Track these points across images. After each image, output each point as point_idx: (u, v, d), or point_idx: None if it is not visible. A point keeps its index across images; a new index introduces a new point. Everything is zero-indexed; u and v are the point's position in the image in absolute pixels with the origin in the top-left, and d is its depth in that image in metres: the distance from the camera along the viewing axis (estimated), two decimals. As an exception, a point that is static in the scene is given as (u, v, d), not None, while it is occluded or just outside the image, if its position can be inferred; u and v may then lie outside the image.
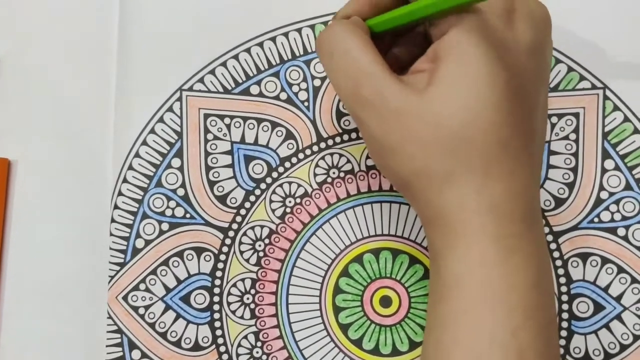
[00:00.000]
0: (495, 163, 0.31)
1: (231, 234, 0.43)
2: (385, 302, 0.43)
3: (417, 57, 0.35)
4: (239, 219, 0.43)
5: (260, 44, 0.44)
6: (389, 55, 0.37)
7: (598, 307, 0.42)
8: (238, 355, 0.43)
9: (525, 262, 0.32)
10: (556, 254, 0.42)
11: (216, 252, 0.43)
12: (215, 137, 0.44)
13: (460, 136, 0.31)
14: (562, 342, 0.42)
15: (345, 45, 0.33)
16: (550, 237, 0.42)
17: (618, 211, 0.42)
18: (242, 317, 0.43)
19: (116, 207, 0.43)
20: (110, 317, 0.43)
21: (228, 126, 0.44)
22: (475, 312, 0.31)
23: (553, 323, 0.33)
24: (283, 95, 0.44)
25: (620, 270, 0.42)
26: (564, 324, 0.42)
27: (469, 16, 0.32)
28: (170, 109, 0.44)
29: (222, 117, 0.44)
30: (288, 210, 0.43)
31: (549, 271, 0.34)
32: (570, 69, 0.43)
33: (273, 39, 0.44)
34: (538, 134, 0.34)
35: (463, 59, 0.31)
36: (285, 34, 0.44)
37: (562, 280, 0.42)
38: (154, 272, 0.43)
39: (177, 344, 0.43)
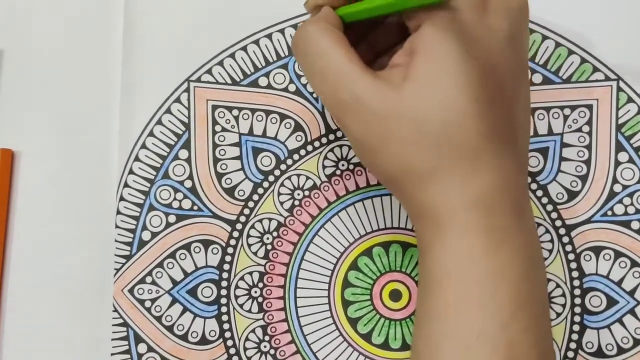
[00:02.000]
0: (477, 156, 0.32)
1: (239, 226, 0.43)
2: (395, 295, 0.43)
3: (392, 43, 0.35)
4: (247, 211, 0.43)
5: (269, 36, 0.45)
6: (363, 42, 0.38)
7: (611, 302, 0.42)
8: (245, 349, 0.43)
9: (514, 255, 0.32)
10: (569, 248, 0.42)
11: (224, 245, 0.43)
12: (224, 129, 0.44)
13: (439, 132, 0.31)
14: (575, 336, 0.42)
15: (319, 46, 0.34)
16: (562, 231, 0.42)
17: (632, 204, 0.42)
18: (249, 311, 0.43)
19: (122, 198, 0.44)
20: (115, 311, 0.43)
21: (236, 118, 0.44)
22: (463, 305, 0.32)
23: (545, 314, 0.33)
24: (292, 87, 0.44)
25: (634, 264, 0.42)
26: (577, 319, 0.42)
27: (439, 12, 0.32)
28: (177, 100, 0.44)
29: (230, 109, 0.44)
30: (296, 202, 0.44)
31: (540, 262, 0.34)
32: (583, 60, 0.43)
33: (281, 31, 0.45)
34: (521, 124, 0.34)
35: (434, 55, 0.32)
36: (294, 26, 0.45)
37: (575, 274, 0.42)
38: (160, 264, 0.43)
39: (184, 337, 0.43)
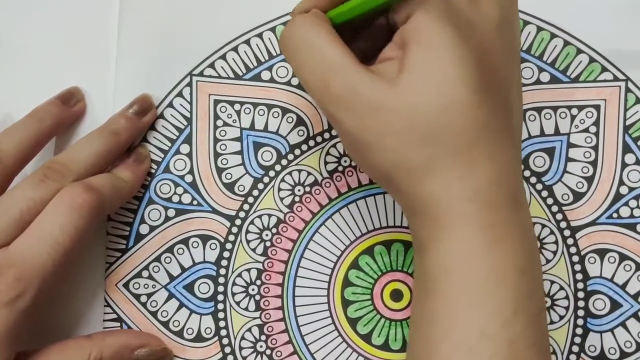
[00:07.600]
0: (475, 147, 0.33)
1: (238, 222, 0.45)
2: (396, 295, 0.45)
3: (380, 49, 0.36)
4: (246, 207, 0.45)
5: (273, 29, 0.46)
6: (351, 46, 0.38)
7: (615, 305, 0.44)
8: (241, 348, 0.45)
9: (513, 250, 0.33)
10: (573, 250, 0.44)
11: (222, 240, 0.45)
12: (225, 124, 0.46)
13: (437, 122, 0.32)
14: (577, 339, 0.44)
15: (311, 40, 0.35)
16: (567, 232, 0.44)
17: (638, 207, 0.44)
18: (246, 309, 0.45)
19: (121, 191, 0.45)
20: (108, 305, 0.45)
21: (238, 112, 0.46)
22: (464, 305, 0.33)
23: (542, 311, 0.35)
24: (294, 81, 0.46)
25: (639, 267, 0.44)
26: (580, 322, 0.44)
27: (430, 0, 0.33)
28: (180, 94, 0.46)
29: (232, 104, 0.46)
30: (297, 199, 0.45)
31: (537, 257, 0.35)
32: (592, 60, 0.45)
33: (285, 24, 0.46)
34: (515, 111, 0.35)
35: (430, 43, 0.33)
36: (298, 20, 0.46)
37: (579, 276, 0.44)
38: (158, 259, 0.45)
39: (179, 334, 0.45)
